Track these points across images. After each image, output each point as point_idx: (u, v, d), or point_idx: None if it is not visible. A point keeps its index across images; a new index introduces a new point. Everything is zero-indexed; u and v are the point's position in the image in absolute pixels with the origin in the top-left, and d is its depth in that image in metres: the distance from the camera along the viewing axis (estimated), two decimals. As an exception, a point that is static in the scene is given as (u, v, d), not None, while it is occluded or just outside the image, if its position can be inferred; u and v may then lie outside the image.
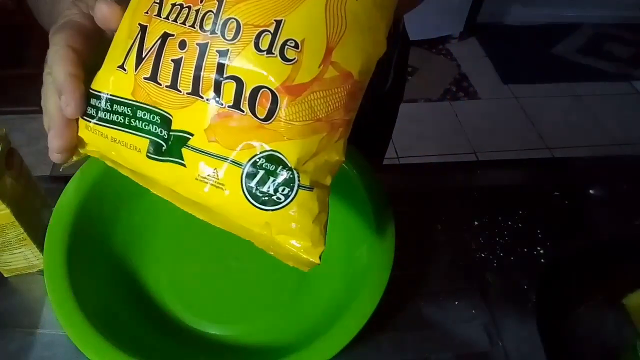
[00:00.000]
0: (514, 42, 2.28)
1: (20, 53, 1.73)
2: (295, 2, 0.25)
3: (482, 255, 0.50)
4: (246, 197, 0.26)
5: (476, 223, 0.53)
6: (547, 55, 2.22)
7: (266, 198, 0.26)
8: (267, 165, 0.25)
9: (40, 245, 0.43)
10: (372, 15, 0.26)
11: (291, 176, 0.25)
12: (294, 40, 0.25)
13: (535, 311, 0.46)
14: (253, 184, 0.26)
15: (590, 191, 0.57)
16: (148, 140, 0.27)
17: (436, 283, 0.48)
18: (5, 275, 0.46)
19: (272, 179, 0.25)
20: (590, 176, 0.59)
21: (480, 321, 0.45)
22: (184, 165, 0.27)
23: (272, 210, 0.26)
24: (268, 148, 0.25)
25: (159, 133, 0.27)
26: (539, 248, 0.51)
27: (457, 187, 0.56)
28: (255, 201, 0.26)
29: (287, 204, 0.26)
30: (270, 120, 0.25)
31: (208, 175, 0.26)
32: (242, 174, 0.26)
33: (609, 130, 1.90)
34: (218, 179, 0.26)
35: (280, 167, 0.25)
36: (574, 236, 0.53)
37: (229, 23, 0.25)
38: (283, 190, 0.26)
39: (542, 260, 0.50)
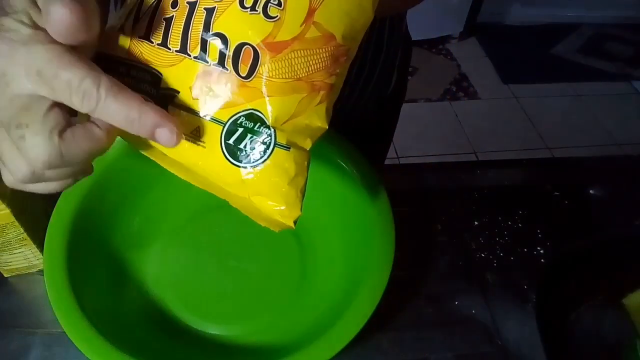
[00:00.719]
0: (514, 42, 2.28)
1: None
2: None
3: (482, 255, 0.50)
4: (224, 154, 0.26)
5: (476, 223, 0.53)
6: (547, 55, 2.22)
7: (243, 155, 0.26)
8: (246, 123, 0.26)
9: (40, 245, 0.43)
10: None
11: (268, 134, 0.26)
12: None
13: (535, 311, 0.46)
14: (231, 141, 0.26)
15: (590, 191, 0.57)
16: None
17: (436, 283, 0.48)
18: (5, 275, 0.46)
19: (250, 136, 0.26)
20: (590, 176, 0.59)
21: (480, 321, 0.45)
22: None
23: (249, 167, 0.26)
24: (249, 106, 0.26)
25: (150, 91, 0.27)
26: (539, 248, 0.51)
27: (457, 187, 0.56)
28: (232, 158, 0.26)
29: (262, 162, 0.26)
30: (252, 77, 0.25)
31: (190, 133, 0.27)
32: (222, 131, 0.26)
33: (609, 130, 1.90)
34: (199, 136, 0.27)
35: (259, 124, 0.26)
36: (574, 236, 0.53)
37: None
38: (259, 147, 0.26)
39: (542, 260, 0.50)
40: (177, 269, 0.46)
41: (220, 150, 0.26)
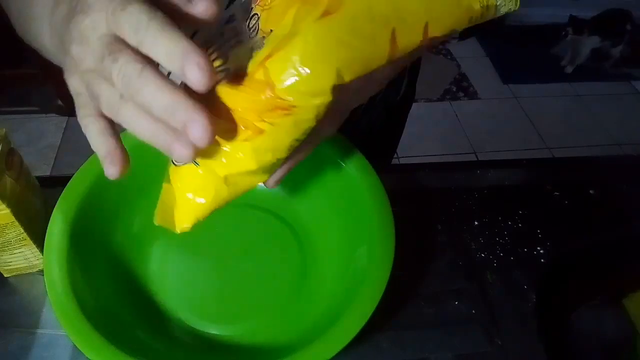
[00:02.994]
0: (514, 42, 2.28)
1: (20, 53, 1.73)
2: (290, 8, 0.26)
3: (482, 255, 0.50)
4: None
5: (476, 223, 0.53)
6: (547, 55, 2.22)
7: None
8: None
9: (40, 245, 0.43)
10: (329, 40, 0.25)
11: None
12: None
13: (535, 311, 0.46)
14: None
15: (590, 191, 0.57)
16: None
17: (436, 283, 0.48)
18: (5, 275, 0.46)
19: None
20: (590, 176, 0.59)
21: (480, 321, 0.45)
22: None
23: (174, 165, 0.31)
24: None
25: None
26: (539, 248, 0.51)
27: (457, 187, 0.56)
28: None
29: (181, 164, 0.30)
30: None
31: None
32: None
33: (609, 130, 1.90)
34: None
35: None
36: (574, 236, 0.53)
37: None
38: None
39: (542, 260, 0.50)
40: (178, 268, 0.46)
41: None
